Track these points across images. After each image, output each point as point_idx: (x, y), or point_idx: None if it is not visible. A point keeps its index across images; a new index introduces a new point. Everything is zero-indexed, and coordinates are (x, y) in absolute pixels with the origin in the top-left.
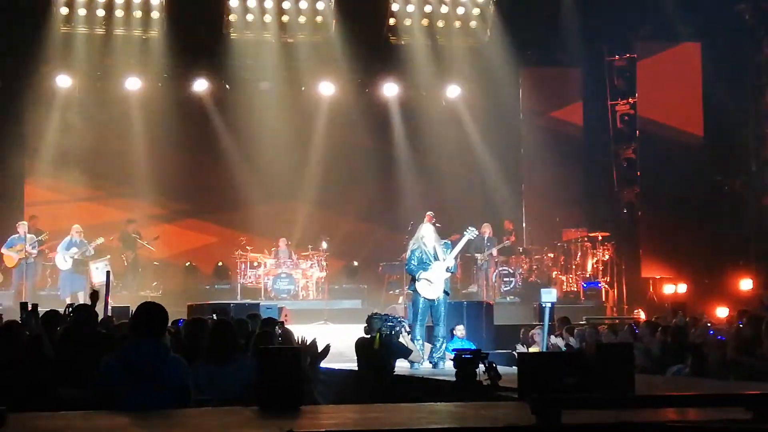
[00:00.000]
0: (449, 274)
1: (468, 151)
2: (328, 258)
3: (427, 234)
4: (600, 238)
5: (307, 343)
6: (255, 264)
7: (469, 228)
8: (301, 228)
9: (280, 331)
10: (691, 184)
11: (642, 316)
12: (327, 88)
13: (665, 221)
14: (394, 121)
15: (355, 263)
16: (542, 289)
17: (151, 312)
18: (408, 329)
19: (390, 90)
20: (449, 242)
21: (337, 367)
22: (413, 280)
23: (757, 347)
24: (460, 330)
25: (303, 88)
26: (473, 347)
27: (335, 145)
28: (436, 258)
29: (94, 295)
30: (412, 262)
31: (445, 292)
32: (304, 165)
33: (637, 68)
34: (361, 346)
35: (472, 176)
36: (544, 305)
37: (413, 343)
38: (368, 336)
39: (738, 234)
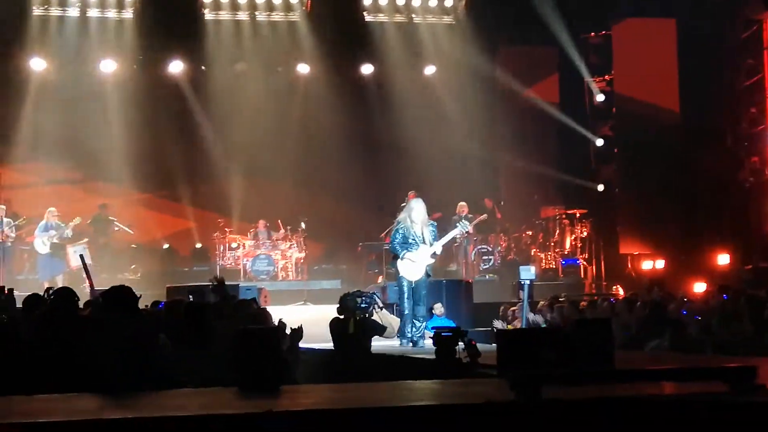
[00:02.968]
0: (432, 260)
1: (445, 129)
2: (307, 239)
3: (417, 212)
4: (578, 215)
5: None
6: (234, 245)
7: (463, 221)
8: (280, 209)
9: (255, 307)
10: (668, 160)
11: (621, 292)
12: (303, 68)
13: (642, 197)
14: (371, 100)
15: (335, 244)
16: (521, 267)
17: (123, 293)
18: (381, 304)
19: (366, 69)
20: (435, 223)
21: (316, 347)
22: (395, 258)
23: (736, 322)
24: (438, 308)
25: (279, 69)
26: (453, 325)
27: (312, 126)
28: (423, 240)
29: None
30: (396, 239)
31: (427, 275)
32: (281, 146)
33: (613, 45)
34: (335, 327)
35: (449, 154)
36: (522, 283)
37: (402, 318)
38: (342, 317)
39: (715, 209)
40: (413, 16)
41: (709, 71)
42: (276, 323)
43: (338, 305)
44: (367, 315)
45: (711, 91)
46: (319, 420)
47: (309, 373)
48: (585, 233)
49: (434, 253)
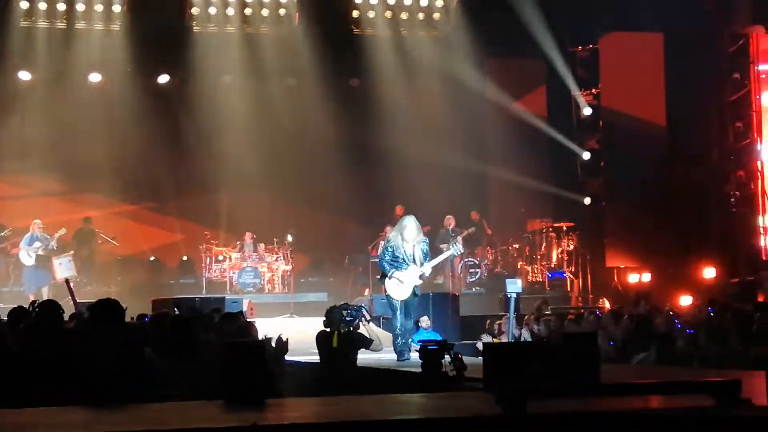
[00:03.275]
0: (421, 281)
1: (433, 141)
2: (294, 251)
3: (409, 231)
4: (565, 228)
5: (277, 342)
6: (220, 258)
7: (455, 244)
8: (267, 221)
9: (242, 320)
10: (654, 174)
11: (607, 305)
12: (291, 81)
13: (629, 211)
14: (359, 112)
15: (321, 256)
16: (507, 280)
17: (110, 306)
18: (368, 317)
19: (354, 82)
20: (427, 240)
21: (303, 360)
22: (383, 276)
23: (722, 336)
24: (425, 321)
25: (267, 81)
26: (439, 338)
27: (300, 138)
28: (413, 260)
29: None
30: (386, 257)
31: (414, 294)
32: (269, 158)
33: (600, 59)
34: (321, 340)
35: (437, 167)
36: (509, 296)
37: (396, 332)
38: (328, 330)
39: (701, 223)
40: (401, 29)
41: (696, 85)
42: (262, 336)
43: (324, 318)
44: (352, 328)
45: (697, 105)
46: None
47: (295, 386)
48: (572, 246)
49: (423, 275)
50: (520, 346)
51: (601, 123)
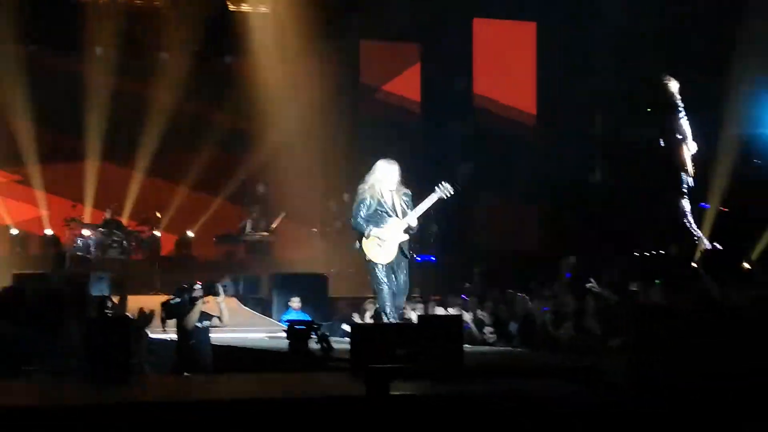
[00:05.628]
0: (407, 237)
1: (308, 125)
2: (162, 228)
3: (385, 176)
4: (432, 212)
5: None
6: (86, 233)
7: (442, 183)
8: (134, 197)
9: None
10: (524, 162)
11: None
12: (164, 56)
13: (496, 198)
14: (234, 90)
15: (190, 234)
16: None
17: None
18: (200, 295)
19: (230, 59)
20: (409, 192)
21: (169, 339)
22: (360, 237)
23: (583, 320)
24: (295, 302)
25: (140, 54)
26: (308, 319)
27: (172, 113)
28: (394, 212)
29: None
30: (360, 213)
31: (405, 256)
32: (139, 133)
33: (474, 45)
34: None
35: (311, 150)
36: None
37: (384, 310)
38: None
39: (565, 213)
40: (278, 6)
41: (567, 75)
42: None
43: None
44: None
45: (567, 96)
46: (164, 411)
47: (160, 365)
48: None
49: (408, 227)
50: (385, 328)
51: (472, 109)
